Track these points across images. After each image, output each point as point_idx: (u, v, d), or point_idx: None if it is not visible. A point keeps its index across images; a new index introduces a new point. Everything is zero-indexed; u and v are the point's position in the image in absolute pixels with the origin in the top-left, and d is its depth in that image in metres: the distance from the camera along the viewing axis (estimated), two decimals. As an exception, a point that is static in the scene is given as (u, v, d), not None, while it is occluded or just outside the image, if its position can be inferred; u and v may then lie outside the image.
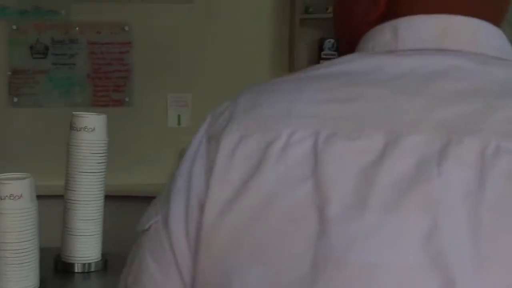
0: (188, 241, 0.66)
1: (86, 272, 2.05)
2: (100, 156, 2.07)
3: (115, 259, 2.05)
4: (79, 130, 2.02)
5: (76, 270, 2.04)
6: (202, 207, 0.65)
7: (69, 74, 3.66)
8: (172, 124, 3.81)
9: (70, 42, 3.64)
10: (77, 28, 3.65)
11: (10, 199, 1.78)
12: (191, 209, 0.66)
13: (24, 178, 1.83)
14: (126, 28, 3.68)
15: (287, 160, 0.63)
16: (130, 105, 3.75)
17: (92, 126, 2.04)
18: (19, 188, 1.79)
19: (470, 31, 0.69)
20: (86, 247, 2.08)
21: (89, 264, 2.05)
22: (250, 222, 0.63)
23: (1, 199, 1.78)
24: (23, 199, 1.79)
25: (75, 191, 2.04)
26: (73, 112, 2.07)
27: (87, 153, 2.03)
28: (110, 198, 3.61)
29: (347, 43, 0.79)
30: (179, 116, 3.79)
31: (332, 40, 3.74)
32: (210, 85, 3.61)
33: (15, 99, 3.64)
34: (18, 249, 1.83)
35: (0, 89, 3.64)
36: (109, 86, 3.70)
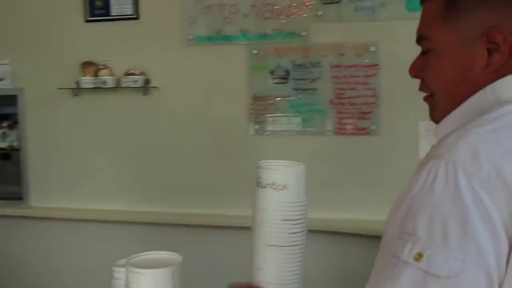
0: (499, 272, 0.89)
1: None
2: (293, 224, 1.53)
3: None
4: (265, 187, 1.54)
5: None
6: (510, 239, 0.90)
7: (310, 100, 3.39)
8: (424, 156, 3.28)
9: (311, 66, 3.37)
10: (318, 51, 3.36)
11: None
12: (503, 244, 0.90)
13: (167, 265, 1.48)
14: (372, 49, 3.29)
15: None
16: (377, 133, 3.36)
17: (283, 183, 1.53)
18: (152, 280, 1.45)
19: None
20: None
21: None
22: None
23: None
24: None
25: (261, 270, 1.54)
26: (259, 162, 1.59)
27: (274, 219, 1.52)
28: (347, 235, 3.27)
29: (460, 93, 1.12)
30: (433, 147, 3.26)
31: None
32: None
33: (256, 127, 3.49)
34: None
35: (241, 116, 3.51)
36: (353, 112, 3.35)
